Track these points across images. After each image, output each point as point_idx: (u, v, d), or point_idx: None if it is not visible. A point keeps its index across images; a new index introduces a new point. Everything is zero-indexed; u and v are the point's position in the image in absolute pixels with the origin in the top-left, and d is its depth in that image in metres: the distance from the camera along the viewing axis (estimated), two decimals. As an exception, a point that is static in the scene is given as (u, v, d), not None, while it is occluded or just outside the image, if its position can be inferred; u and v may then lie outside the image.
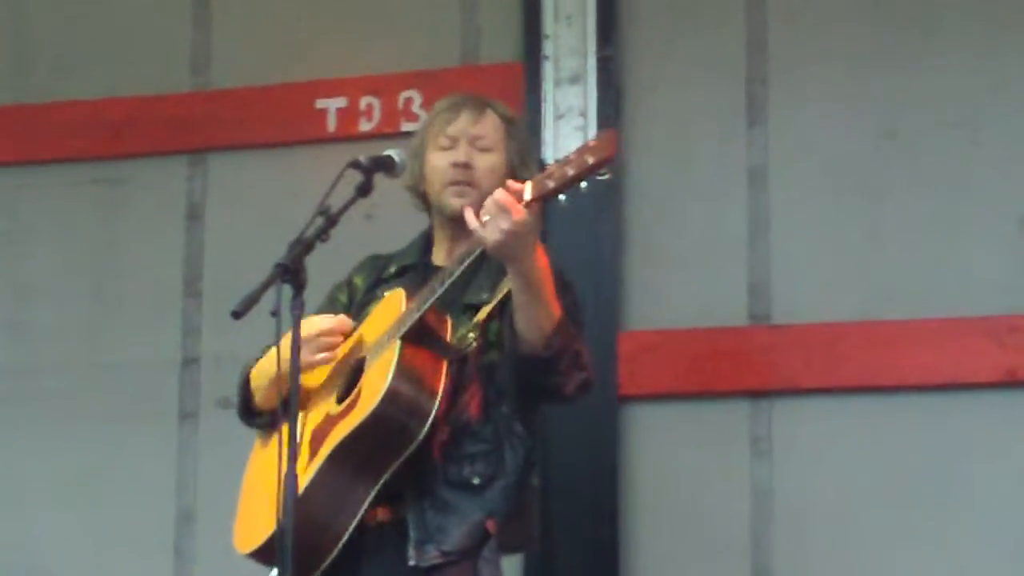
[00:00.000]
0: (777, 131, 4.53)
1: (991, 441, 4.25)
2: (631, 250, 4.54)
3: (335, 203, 3.11)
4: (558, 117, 4.58)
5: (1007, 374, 4.23)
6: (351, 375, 3.30)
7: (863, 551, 4.27)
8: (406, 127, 4.70)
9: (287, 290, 2.96)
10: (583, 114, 4.56)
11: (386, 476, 3.15)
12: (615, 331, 4.45)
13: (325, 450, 3.18)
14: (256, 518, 3.27)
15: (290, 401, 2.93)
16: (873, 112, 4.46)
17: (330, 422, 3.23)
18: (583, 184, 2.95)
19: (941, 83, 4.43)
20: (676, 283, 4.52)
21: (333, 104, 4.87)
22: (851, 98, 4.49)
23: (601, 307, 4.40)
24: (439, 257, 3.45)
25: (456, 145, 3.41)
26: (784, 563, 4.33)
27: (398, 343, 3.15)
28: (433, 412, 3.14)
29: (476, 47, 4.83)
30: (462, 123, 3.42)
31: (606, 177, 2.96)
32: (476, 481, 3.19)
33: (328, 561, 3.16)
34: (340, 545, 3.15)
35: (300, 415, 3.24)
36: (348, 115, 4.85)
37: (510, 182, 3.07)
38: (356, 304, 3.50)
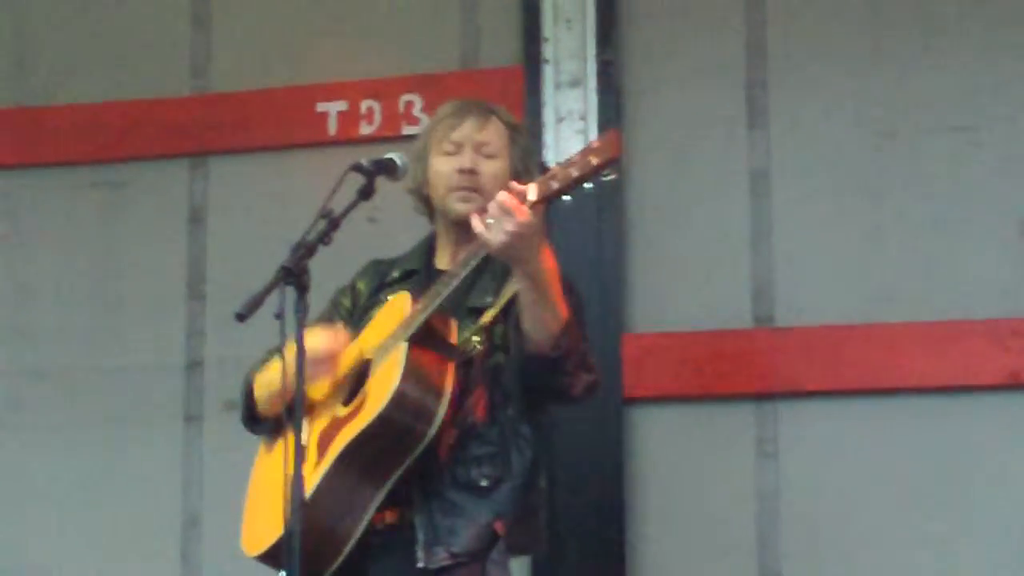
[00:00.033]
0: (778, 134, 4.54)
1: (994, 443, 4.26)
2: (634, 253, 4.55)
3: (337, 206, 3.11)
4: (558, 121, 4.58)
5: (1010, 377, 4.24)
6: (357, 378, 3.30)
7: (868, 551, 4.28)
8: (407, 130, 4.71)
9: (291, 293, 2.96)
10: (583, 117, 4.56)
11: (394, 478, 3.16)
12: (619, 334, 4.45)
13: (332, 452, 3.18)
14: (264, 521, 3.27)
15: (295, 406, 2.93)
16: (874, 114, 4.47)
17: (337, 425, 3.24)
18: (588, 185, 2.96)
19: (942, 85, 4.44)
20: (679, 286, 4.52)
21: (334, 108, 4.87)
22: (851, 100, 4.50)
23: (605, 310, 4.41)
24: (443, 261, 3.46)
25: (461, 151, 3.42)
26: (790, 564, 4.33)
27: (405, 345, 3.16)
28: (440, 414, 3.14)
29: (476, 51, 4.83)
30: (467, 129, 3.43)
31: (611, 178, 2.96)
32: (483, 483, 3.21)
33: (337, 564, 3.17)
34: (349, 548, 3.16)
35: (306, 419, 3.26)
36: (349, 119, 4.85)
37: (513, 184, 3.08)
38: (359, 309, 3.51)
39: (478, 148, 3.42)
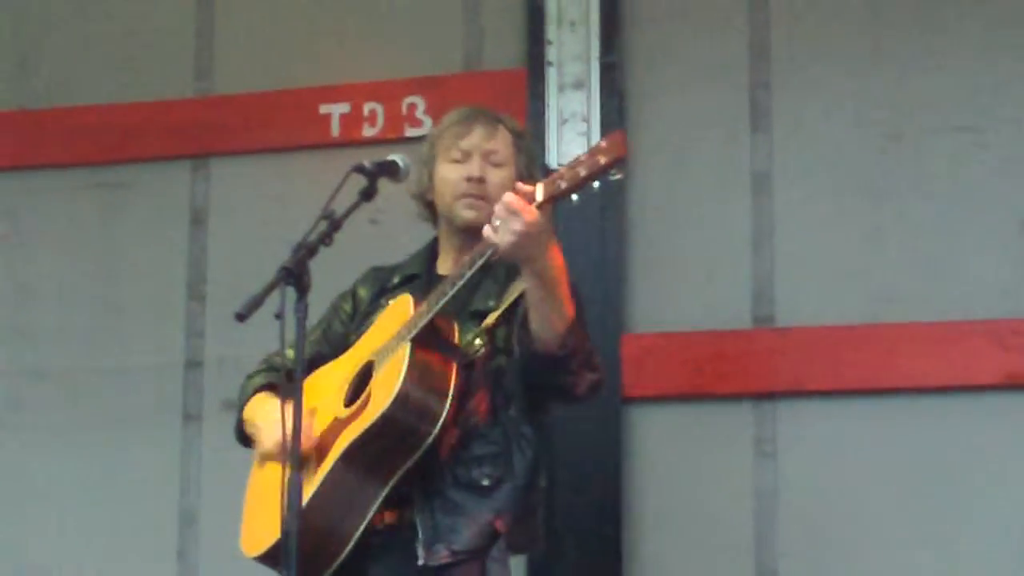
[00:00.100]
0: (780, 135, 4.54)
1: (993, 443, 4.26)
2: (635, 254, 4.55)
3: (339, 207, 3.12)
4: (561, 123, 4.58)
5: (1009, 377, 4.24)
6: (358, 380, 3.30)
7: (867, 551, 4.28)
8: (409, 132, 4.72)
9: (291, 293, 2.97)
10: (586, 120, 4.57)
11: (396, 478, 3.16)
12: (619, 334, 4.46)
13: (335, 453, 3.19)
14: (263, 522, 3.27)
15: (294, 411, 2.94)
16: (876, 115, 4.47)
17: (339, 426, 3.24)
18: (595, 184, 2.96)
19: (944, 86, 4.44)
20: (680, 286, 4.52)
21: (336, 110, 4.88)
22: (854, 101, 4.50)
23: (605, 310, 4.41)
24: (444, 267, 3.47)
25: (469, 159, 3.44)
26: (788, 563, 4.33)
27: (408, 345, 3.17)
28: (444, 414, 3.15)
29: (479, 53, 4.83)
30: (475, 138, 3.45)
31: (618, 177, 2.97)
32: (485, 482, 3.21)
33: (337, 563, 3.17)
34: (349, 547, 3.16)
35: (307, 421, 3.26)
36: (351, 121, 4.85)
37: (520, 185, 3.10)
38: (360, 314, 3.53)
39: (486, 156, 3.44)
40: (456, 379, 3.19)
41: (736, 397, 4.41)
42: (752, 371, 4.40)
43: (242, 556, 3.36)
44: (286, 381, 3.06)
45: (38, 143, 5.13)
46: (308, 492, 3.13)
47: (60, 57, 5.17)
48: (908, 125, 4.45)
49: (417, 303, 3.27)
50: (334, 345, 3.50)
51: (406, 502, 3.20)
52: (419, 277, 3.49)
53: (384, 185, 3.28)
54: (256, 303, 2.93)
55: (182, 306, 4.94)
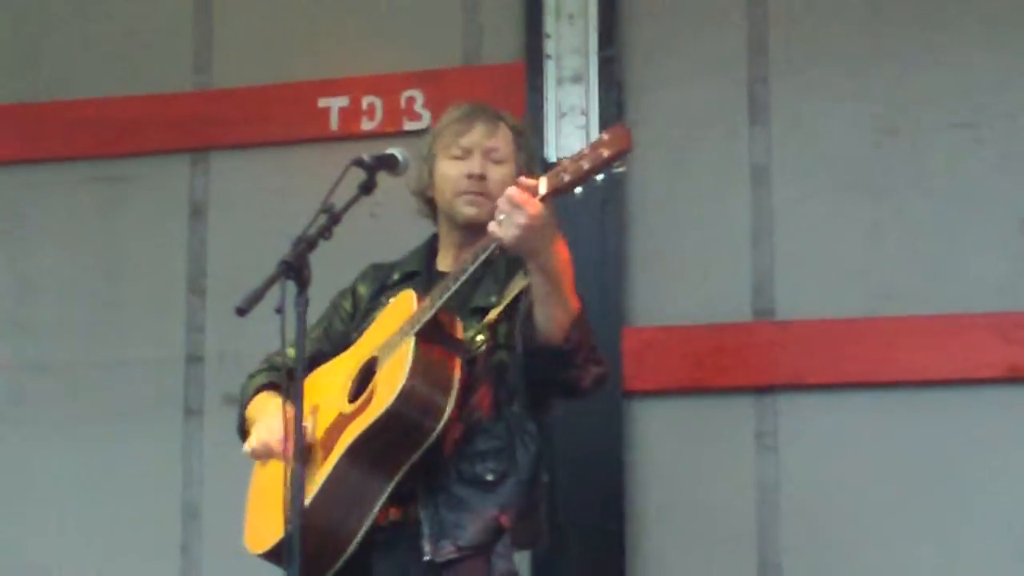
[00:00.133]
0: (779, 129, 4.54)
1: (994, 436, 4.26)
2: (635, 247, 4.55)
3: (338, 201, 3.12)
4: (560, 116, 4.58)
5: (1011, 370, 4.24)
6: (362, 375, 3.30)
7: (868, 545, 4.28)
8: (408, 126, 4.72)
9: (291, 287, 2.96)
10: (585, 113, 4.57)
11: (401, 473, 3.16)
12: (619, 327, 4.46)
13: (339, 448, 3.19)
14: (267, 518, 3.26)
15: (295, 407, 2.94)
16: (875, 110, 4.48)
17: (343, 421, 3.24)
18: (600, 177, 2.96)
19: (943, 81, 4.45)
20: (680, 280, 4.52)
21: (335, 103, 4.87)
22: (853, 96, 4.51)
23: (606, 303, 4.41)
24: (444, 264, 3.47)
25: (470, 156, 3.44)
26: (790, 557, 4.34)
27: (413, 339, 3.16)
28: (448, 409, 3.15)
29: (478, 46, 4.83)
30: (476, 135, 3.45)
31: (621, 170, 2.97)
32: (489, 478, 3.21)
33: (342, 560, 3.17)
34: (355, 543, 3.16)
35: (310, 418, 3.26)
36: (350, 114, 4.85)
37: (523, 179, 3.10)
38: (360, 312, 3.53)
39: (487, 154, 3.44)
40: (460, 374, 3.19)
41: (737, 390, 4.42)
42: (752, 364, 4.41)
43: (246, 551, 3.36)
44: (287, 379, 3.06)
45: (38, 137, 5.12)
46: (313, 488, 3.13)
47: (60, 51, 5.16)
48: (907, 120, 4.45)
49: (419, 299, 3.27)
50: (335, 343, 3.50)
51: (410, 498, 3.21)
52: (419, 274, 3.49)
53: (383, 179, 3.27)
54: (256, 297, 2.92)
55: (182, 300, 4.93)
